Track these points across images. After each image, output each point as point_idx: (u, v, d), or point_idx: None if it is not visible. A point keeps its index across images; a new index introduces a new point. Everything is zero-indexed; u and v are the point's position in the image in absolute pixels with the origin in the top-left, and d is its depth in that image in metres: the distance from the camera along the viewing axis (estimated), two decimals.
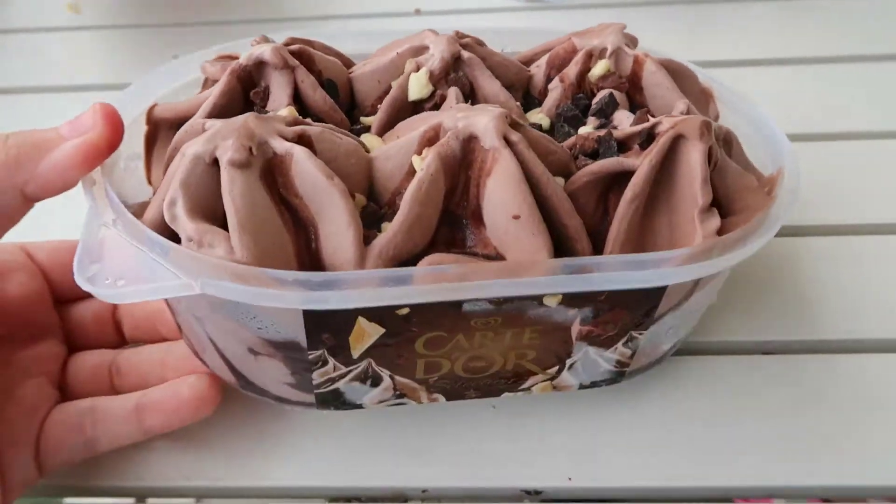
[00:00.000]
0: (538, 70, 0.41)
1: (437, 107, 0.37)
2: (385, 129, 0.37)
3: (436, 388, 0.35)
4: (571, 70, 0.39)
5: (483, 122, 0.31)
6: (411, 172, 0.32)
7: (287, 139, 0.31)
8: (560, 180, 0.33)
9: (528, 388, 0.36)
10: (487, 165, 0.31)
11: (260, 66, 0.36)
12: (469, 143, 0.32)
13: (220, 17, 0.68)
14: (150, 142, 0.38)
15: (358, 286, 0.28)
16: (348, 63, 0.41)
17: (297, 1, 0.67)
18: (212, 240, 0.28)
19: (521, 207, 0.30)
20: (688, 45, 0.63)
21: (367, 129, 0.37)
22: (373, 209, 0.32)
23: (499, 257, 0.31)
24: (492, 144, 0.31)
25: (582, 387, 0.37)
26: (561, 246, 0.32)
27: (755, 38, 0.63)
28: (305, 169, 0.30)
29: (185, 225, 0.29)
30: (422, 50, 0.38)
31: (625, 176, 0.33)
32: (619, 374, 0.36)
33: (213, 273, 0.28)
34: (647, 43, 0.62)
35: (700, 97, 0.42)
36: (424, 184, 0.30)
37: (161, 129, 0.38)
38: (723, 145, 0.34)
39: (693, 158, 0.32)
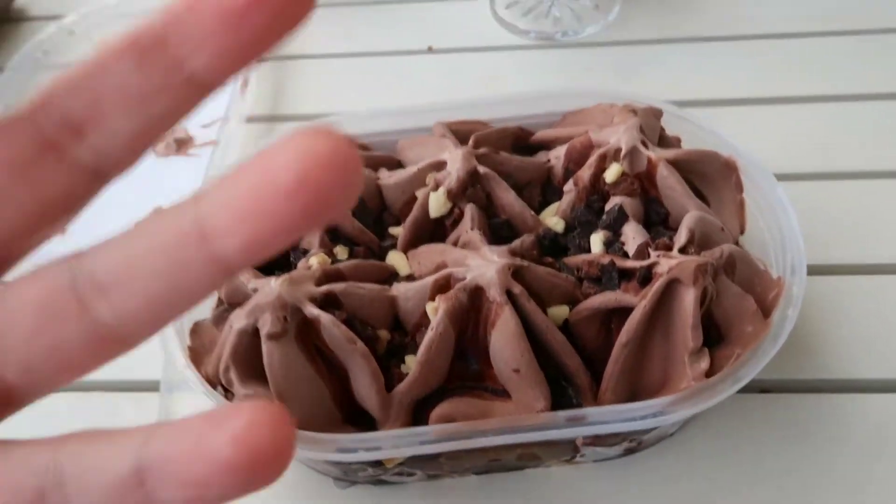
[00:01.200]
0: (557, 161, 0.42)
1: (456, 223, 0.40)
2: (409, 245, 0.40)
3: (464, 473, 0.41)
4: (585, 173, 0.40)
5: (488, 275, 0.35)
6: (427, 314, 0.36)
7: (317, 300, 0.35)
8: (565, 308, 0.36)
9: (547, 466, 0.41)
10: (492, 317, 0.35)
11: None
12: (476, 292, 0.35)
13: None
14: None
15: (381, 444, 0.33)
16: (375, 163, 0.44)
17: (313, 37, 0.69)
18: None
19: (520, 363, 0.34)
20: (684, 83, 0.61)
21: (395, 243, 0.41)
22: (397, 343, 0.37)
23: (505, 393, 0.35)
24: (495, 298, 0.34)
25: (596, 461, 0.41)
26: (563, 381, 0.36)
27: (752, 76, 0.60)
28: (332, 334, 0.34)
29: (239, 390, 0.35)
30: (441, 165, 0.41)
31: (624, 308, 0.35)
32: (630, 451, 0.41)
33: None
34: (644, 82, 0.61)
35: (724, 171, 0.42)
36: (434, 343, 0.34)
37: None
38: (724, 271, 0.36)
39: (686, 303, 0.34)
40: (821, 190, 0.52)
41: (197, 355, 0.38)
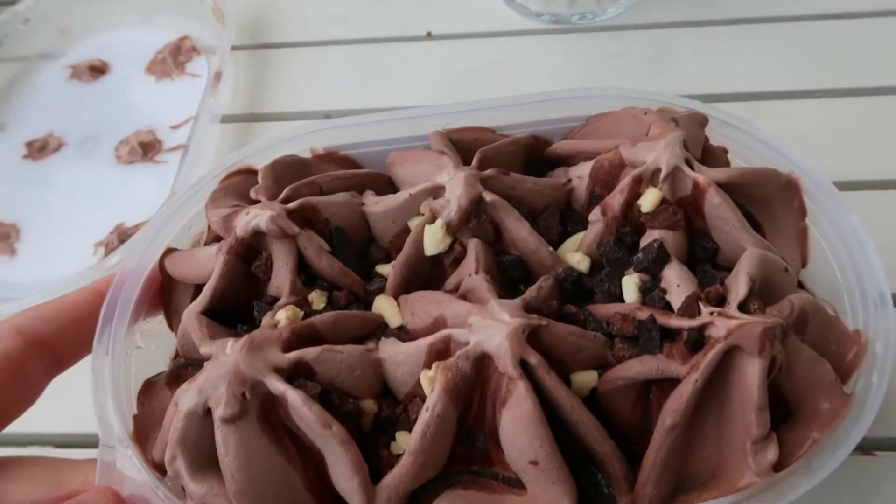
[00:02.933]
0: (580, 182, 0.35)
1: (457, 261, 0.33)
2: (401, 289, 0.33)
3: None
4: (615, 199, 0.33)
5: (497, 340, 0.27)
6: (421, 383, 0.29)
7: (283, 370, 0.28)
8: (592, 375, 0.29)
9: None
10: (502, 393, 0.28)
11: (258, 235, 0.33)
12: (482, 361, 0.28)
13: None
14: (167, 293, 0.37)
15: None
16: (361, 184, 0.37)
17: (297, 23, 0.61)
18: (213, 501, 0.27)
19: (539, 453, 0.27)
20: (719, 73, 0.53)
21: (384, 285, 0.34)
22: (386, 416, 0.30)
23: (520, 483, 0.28)
24: (506, 370, 0.27)
25: None
26: (592, 466, 0.29)
27: (800, 65, 0.52)
28: (302, 416, 0.27)
29: (188, 484, 0.28)
30: (438, 191, 0.33)
31: (668, 378, 0.28)
32: None
33: None
34: (672, 73, 0.53)
35: (783, 192, 0.35)
36: (430, 428, 0.27)
37: (176, 282, 0.36)
38: (795, 330, 0.28)
39: (750, 377, 0.26)
40: (886, 200, 0.45)
41: (143, 430, 0.31)
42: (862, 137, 0.48)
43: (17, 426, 0.42)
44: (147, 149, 0.53)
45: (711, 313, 0.28)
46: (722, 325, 0.27)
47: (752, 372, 0.26)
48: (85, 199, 0.52)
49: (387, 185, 0.38)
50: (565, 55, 0.57)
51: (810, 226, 0.35)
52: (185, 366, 0.34)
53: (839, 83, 0.51)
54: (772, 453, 0.27)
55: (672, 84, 0.53)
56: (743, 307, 0.28)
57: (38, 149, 0.55)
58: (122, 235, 0.48)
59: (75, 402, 0.41)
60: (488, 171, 0.33)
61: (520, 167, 0.36)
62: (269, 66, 0.59)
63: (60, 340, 0.33)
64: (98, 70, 0.60)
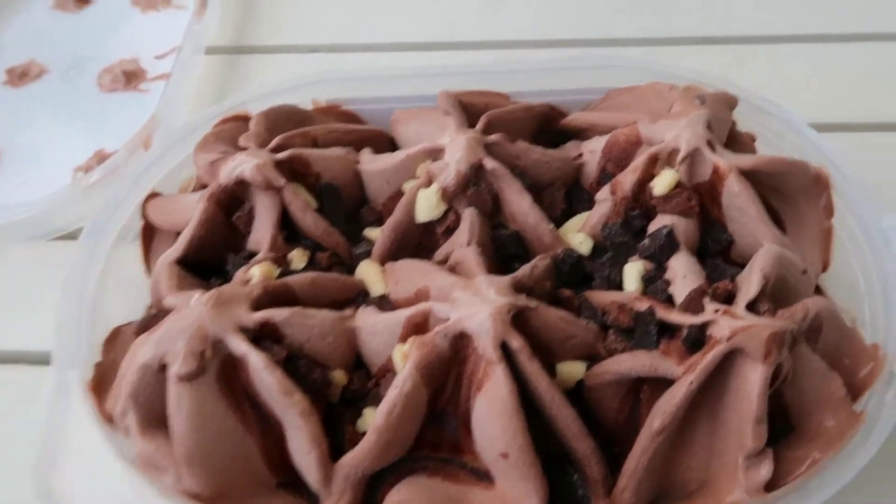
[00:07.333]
0: (592, 157, 0.32)
1: (450, 231, 0.31)
2: (387, 256, 0.31)
3: None
4: (627, 178, 0.30)
5: (478, 319, 0.25)
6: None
7: (249, 330, 0.26)
8: (580, 366, 0.27)
9: None
10: (479, 376, 0.25)
11: (242, 184, 0.31)
12: (461, 340, 0.26)
13: None
14: (147, 238, 0.35)
15: None
16: (359, 141, 0.34)
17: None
18: (161, 462, 0.26)
19: (510, 445, 0.25)
20: (720, 11, 0.50)
21: (371, 248, 0.31)
22: (356, 389, 0.28)
23: (489, 477, 0.26)
24: (485, 352, 0.25)
25: None
26: (568, 464, 0.27)
27: (799, 7, 0.50)
28: (263, 381, 0.26)
29: (137, 441, 0.26)
30: (437, 152, 0.31)
31: (661, 378, 0.26)
32: None
33: (165, 497, 0.26)
34: (675, 13, 0.50)
35: (811, 187, 0.32)
36: (397, 407, 0.25)
37: (158, 227, 0.35)
38: (806, 338, 0.26)
39: (750, 385, 0.24)
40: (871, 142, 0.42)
41: (103, 379, 0.30)
42: (848, 82, 0.46)
43: None
44: (130, 77, 0.52)
45: (716, 311, 0.25)
46: (726, 324, 0.25)
47: (753, 379, 0.24)
48: (66, 125, 0.51)
49: (388, 145, 0.36)
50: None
51: (836, 227, 0.32)
52: (158, 315, 0.32)
53: (828, 29, 0.49)
54: (765, 470, 0.24)
55: (665, 25, 0.52)
56: (752, 307, 0.25)
57: (20, 75, 0.54)
58: (102, 161, 0.47)
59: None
60: (493, 137, 0.31)
61: (530, 137, 0.34)
62: None
63: None
64: (82, 0, 0.58)
